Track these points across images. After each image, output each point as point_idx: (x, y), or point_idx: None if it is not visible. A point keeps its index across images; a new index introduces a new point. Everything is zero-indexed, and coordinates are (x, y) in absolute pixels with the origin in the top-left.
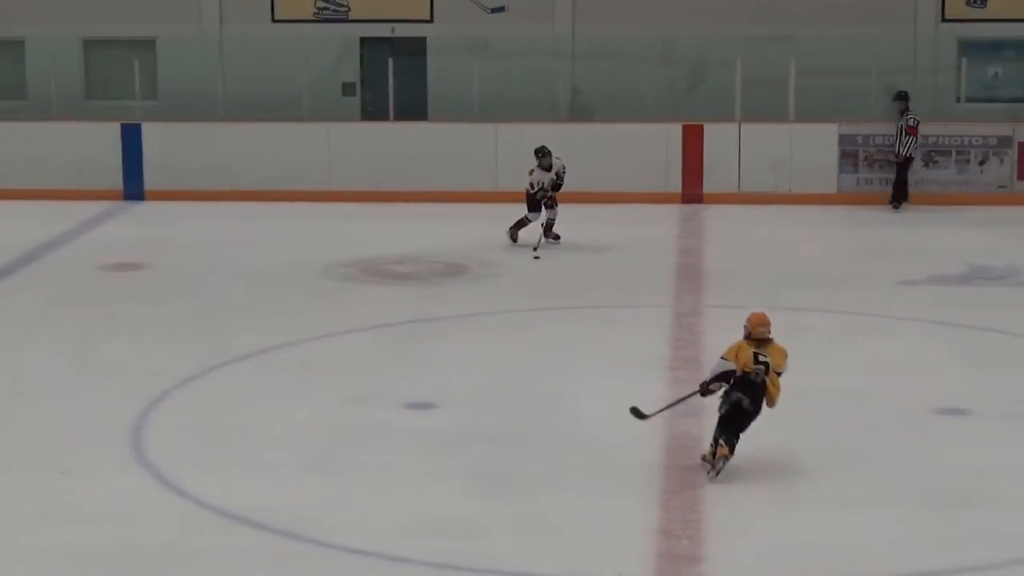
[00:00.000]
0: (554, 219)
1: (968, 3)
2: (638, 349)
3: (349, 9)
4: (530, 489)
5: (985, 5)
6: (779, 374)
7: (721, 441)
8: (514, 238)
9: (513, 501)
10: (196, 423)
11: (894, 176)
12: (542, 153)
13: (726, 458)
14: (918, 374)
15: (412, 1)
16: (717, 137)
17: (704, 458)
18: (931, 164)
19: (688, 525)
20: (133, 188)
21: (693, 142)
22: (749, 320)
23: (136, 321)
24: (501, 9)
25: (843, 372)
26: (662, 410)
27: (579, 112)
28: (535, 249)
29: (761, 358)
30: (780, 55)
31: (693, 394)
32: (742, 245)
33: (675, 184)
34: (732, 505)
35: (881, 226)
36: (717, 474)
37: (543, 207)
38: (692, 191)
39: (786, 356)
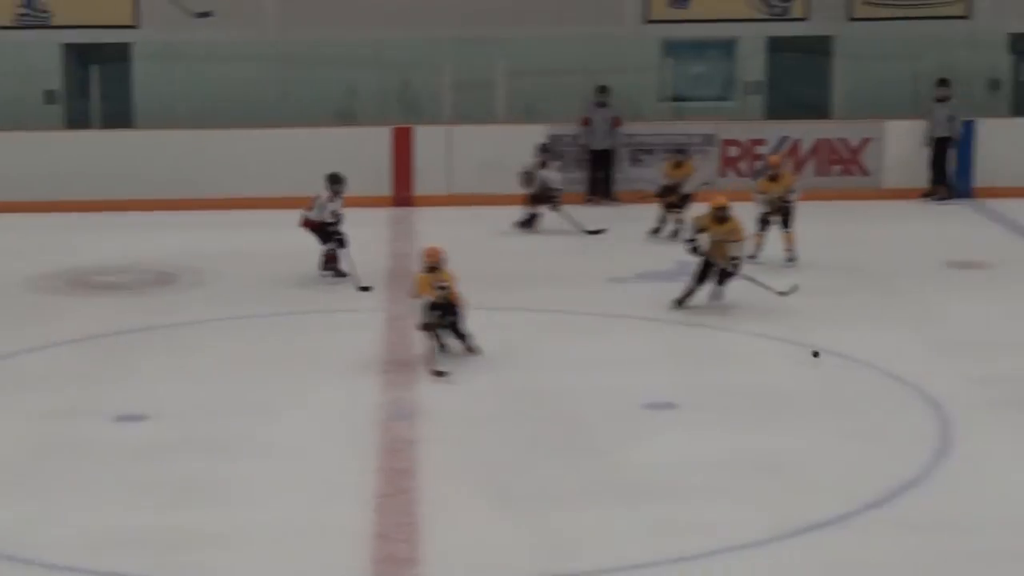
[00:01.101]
0: None
1: (671, 4)
2: (351, 353)
3: (51, 15)
4: (244, 498)
5: (687, 5)
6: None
7: None
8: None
9: (227, 511)
10: None
11: (602, 172)
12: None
13: None
14: (627, 370)
15: (116, 7)
16: (427, 139)
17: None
18: (637, 163)
19: (403, 528)
20: None
21: (403, 145)
22: (423, 253)
23: None
24: (207, 14)
25: (553, 369)
26: None
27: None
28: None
29: (438, 284)
30: (488, 57)
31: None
32: (453, 247)
33: (385, 187)
34: (447, 506)
35: (590, 224)
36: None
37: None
38: (402, 194)
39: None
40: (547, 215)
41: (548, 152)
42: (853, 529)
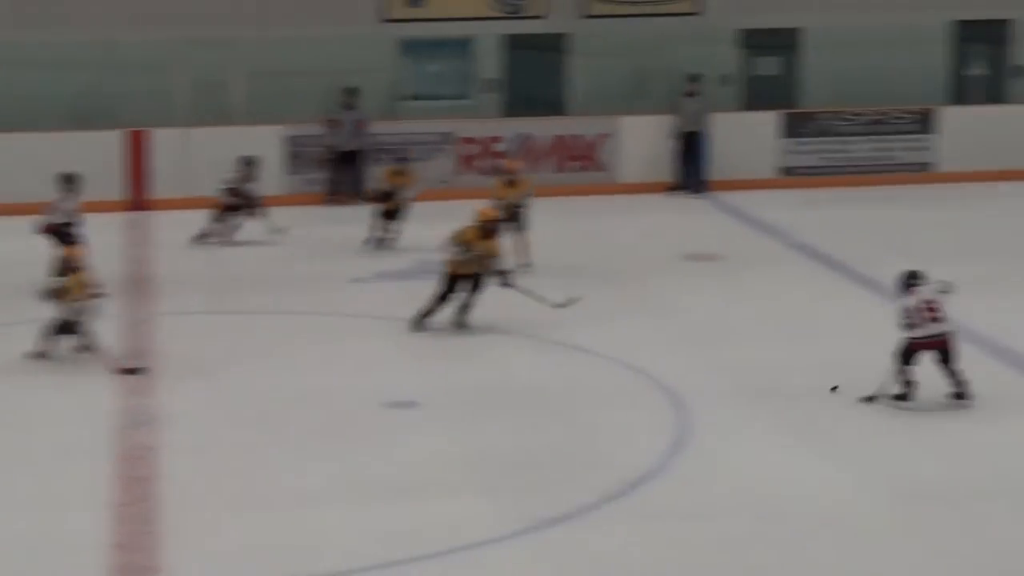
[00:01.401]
0: None
1: (408, 3)
2: (87, 360)
3: None
4: None
5: (423, 4)
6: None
7: None
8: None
9: None
10: None
11: (350, 173)
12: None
13: None
14: (369, 370)
15: None
16: (162, 142)
17: None
18: (377, 162)
19: (144, 536)
20: None
21: (136, 148)
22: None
23: None
24: None
25: (295, 372)
26: None
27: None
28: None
29: (90, 287)
30: (225, 58)
31: None
32: (191, 250)
33: (119, 192)
34: (189, 513)
35: (328, 226)
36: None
37: None
38: (138, 198)
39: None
40: (245, 224)
41: (251, 165)
42: (594, 521)
